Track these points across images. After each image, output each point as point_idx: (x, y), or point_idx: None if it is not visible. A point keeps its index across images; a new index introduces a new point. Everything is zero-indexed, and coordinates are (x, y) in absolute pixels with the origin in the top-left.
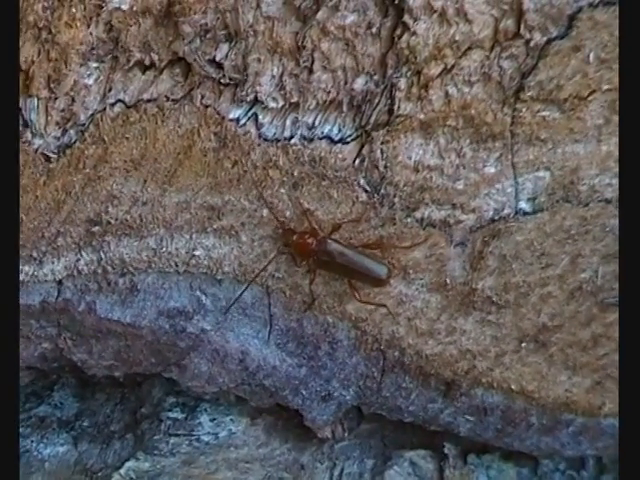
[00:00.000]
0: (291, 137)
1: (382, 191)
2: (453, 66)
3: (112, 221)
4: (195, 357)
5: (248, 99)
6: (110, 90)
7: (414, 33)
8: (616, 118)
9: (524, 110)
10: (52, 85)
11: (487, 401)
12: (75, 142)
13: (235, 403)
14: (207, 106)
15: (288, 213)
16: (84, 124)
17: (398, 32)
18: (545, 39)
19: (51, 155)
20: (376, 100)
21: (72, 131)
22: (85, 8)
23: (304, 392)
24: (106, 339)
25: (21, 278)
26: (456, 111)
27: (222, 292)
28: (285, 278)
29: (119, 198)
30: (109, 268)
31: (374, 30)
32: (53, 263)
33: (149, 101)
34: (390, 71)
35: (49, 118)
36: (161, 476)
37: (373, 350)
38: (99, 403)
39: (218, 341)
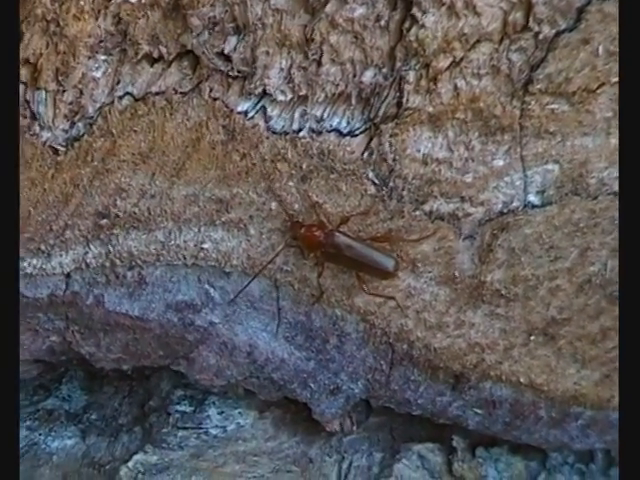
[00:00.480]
0: (300, 130)
1: (391, 184)
2: (462, 59)
3: (120, 214)
4: (203, 350)
5: (256, 92)
6: (118, 83)
7: (423, 26)
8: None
9: (533, 103)
10: (60, 78)
11: (496, 394)
12: (83, 135)
13: (243, 396)
14: (215, 99)
15: (297, 206)
16: (92, 117)
17: (407, 25)
18: (554, 32)
19: (59, 148)
20: (385, 93)
21: (80, 124)
22: (93, 1)
23: (312, 385)
24: (114, 332)
25: (29, 271)
26: (465, 104)
27: (230, 285)
28: (293, 271)
29: (127, 191)
30: (117, 261)
31: (383, 23)
32: (61, 256)
33: (157, 94)
34: (399, 64)
35: (57, 111)
36: (169, 469)
37: (382, 343)
38: (107, 396)
39: (226, 334)
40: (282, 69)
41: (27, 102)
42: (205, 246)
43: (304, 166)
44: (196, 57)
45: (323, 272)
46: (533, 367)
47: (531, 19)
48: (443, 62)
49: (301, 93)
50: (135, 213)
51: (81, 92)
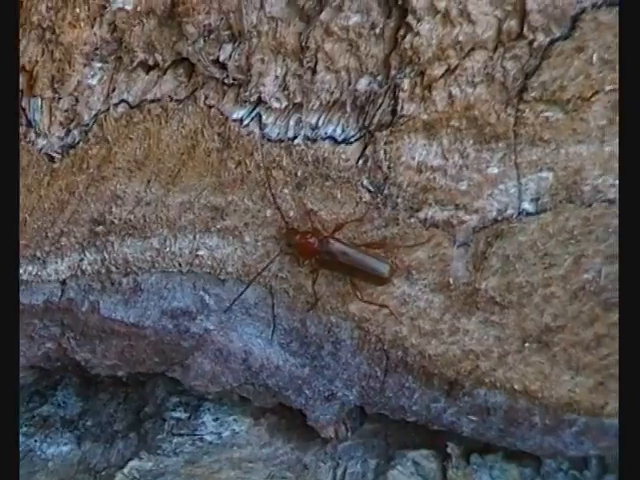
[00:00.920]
0: (295, 137)
1: (385, 191)
2: (456, 67)
3: (116, 221)
4: (198, 357)
5: (252, 99)
6: (114, 90)
7: (417, 34)
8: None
9: (527, 111)
10: (56, 85)
11: (490, 401)
12: (79, 142)
13: (238, 403)
14: (211, 106)
15: (292, 213)
16: (88, 124)
17: (402, 33)
18: (548, 40)
19: (55, 155)
20: (379, 101)
21: (76, 131)
22: (89, 8)
23: (307, 392)
24: (109, 339)
25: (25, 278)
26: (459, 112)
27: (225, 292)
28: (288, 278)
29: (123, 198)
30: (113, 268)
31: (377, 31)
32: (57, 263)
33: (153, 101)
34: (393, 72)
35: (53, 118)
36: (164, 475)
37: (376, 350)
38: (102, 402)
39: (221, 341)
40: (277, 77)
41: (23, 109)
42: (200, 253)
43: (299, 173)
44: (191, 65)
45: (318, 279)
46: (527, 374)
47: (526, 27)
48: (438, 70)
49: (296, 101)
50: (130, 220)
51: (77, 99)
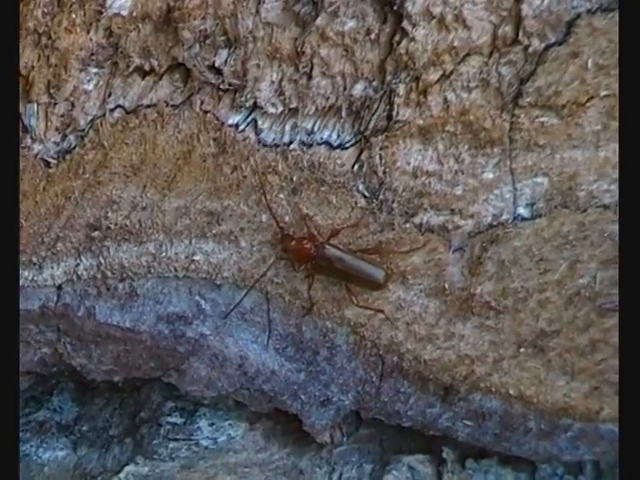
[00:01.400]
0: (290, 142)
1: (381, 197)
2: (452, 72)
3: (112, 226)
4: (194, 362)
5: (247, 105)
6: (110, 95)
7: (413, 39)
8: (614, 124)
9: (522, 116)
10: (52, 90)
11: (485, 406)
12: (75, 147)
13: (234, 408)
14: (206, 112)
15: (287, 218)
16: (84, 129)
17: (397, 38)
18: (543, 45)
19: (51, 160)
20: (375, 106)
21: (72, 136)
22: (85, 14)
23: (303, 397)
24: (105, 344)
25: (21, 283)
26: (455, 117)
27: (221, 297)
28: (284, 283)
29: (119, 203)
30: (108, 273)
31: (373, 36)
32: (53, 268)
33: (149, 107)
34: (389, 77)
35: (49, 123)
36: None
37: (372, 355)
38: (98, 408)
39: (217, 346)
40: (273, 82)
41: (19, 115)
42: (196, 258)
43: (295, 179)
44: (187, 70)
45: (313, 284)
46: (523, 379)
47: (521, 32)
48: (433, 75)
49: (292, 106)
50: (126, 225)
51: (72, 105)
